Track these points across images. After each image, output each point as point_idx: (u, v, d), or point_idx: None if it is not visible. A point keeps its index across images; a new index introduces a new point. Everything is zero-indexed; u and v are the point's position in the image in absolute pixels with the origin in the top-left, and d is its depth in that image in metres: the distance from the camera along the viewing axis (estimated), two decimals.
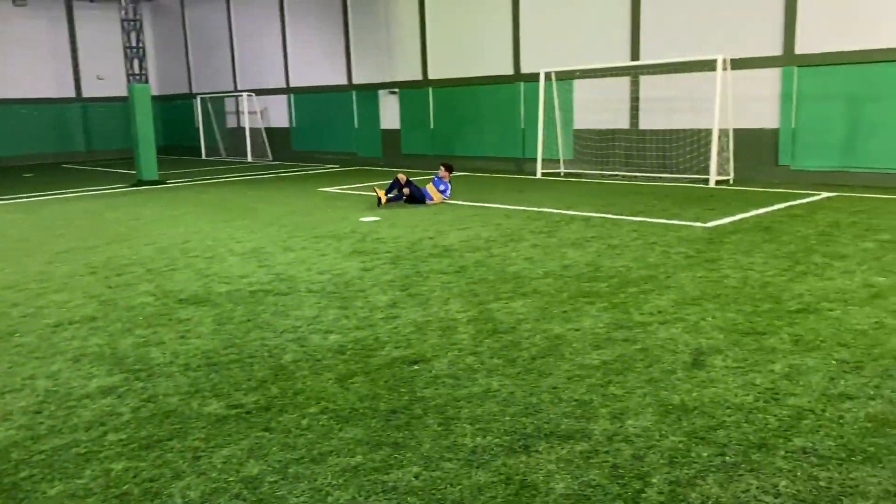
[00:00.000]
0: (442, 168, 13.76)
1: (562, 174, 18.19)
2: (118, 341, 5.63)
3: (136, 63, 18.98)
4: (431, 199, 13.29)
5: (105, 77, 30.88)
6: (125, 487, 3.40)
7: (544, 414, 4.06)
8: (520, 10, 19.27)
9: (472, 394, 4.37)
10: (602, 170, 17.78)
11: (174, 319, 6.18)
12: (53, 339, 5.73)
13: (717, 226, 10.00)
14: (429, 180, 14.24)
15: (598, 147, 18.13)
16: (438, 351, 5.17)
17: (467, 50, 20.76)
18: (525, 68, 19.43)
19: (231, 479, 3.45)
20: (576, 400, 4.24)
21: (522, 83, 19.57)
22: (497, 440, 3.76)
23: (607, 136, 18.03)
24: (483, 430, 3.87)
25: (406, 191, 13.02)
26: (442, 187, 13.49)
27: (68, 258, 9.05)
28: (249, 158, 27.17)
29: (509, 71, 19.86)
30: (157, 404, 4.37)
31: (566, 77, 18.34)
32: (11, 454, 3.78)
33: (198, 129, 30.24)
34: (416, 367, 4.87)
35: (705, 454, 3.55)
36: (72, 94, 30.51)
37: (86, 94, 30.80)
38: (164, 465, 3.60)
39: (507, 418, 4.01)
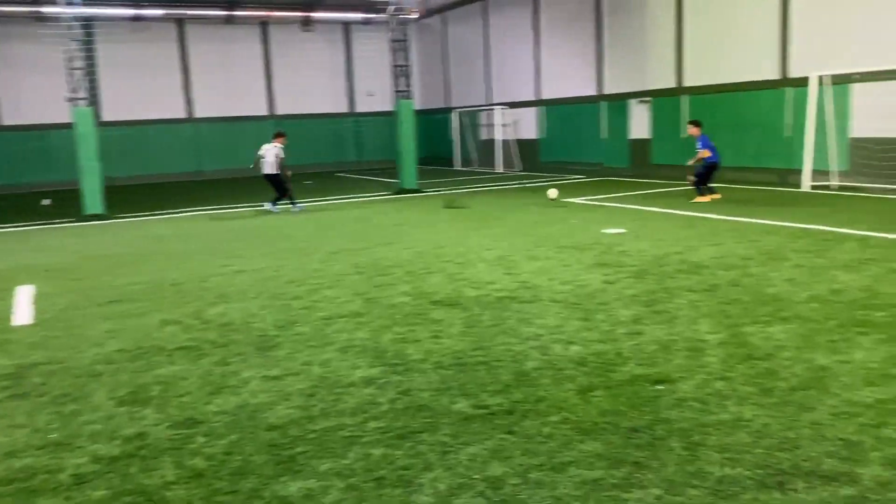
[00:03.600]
0: (691, 126, 15.31)
1: (835, 187, 16.47)
2: (379, 336, 6.16)
3: (402, 80, 20.53)
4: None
5: (374, 93, 33.79)
6: (382, 472, 3.73)
7: (803, 451, 3.74)
8: (789, 8, 17.81)
9: (720, 421, 4.16)
10: (886, 184, 15.80)
11: (428, 319, 6.62)
12: (326, 331, 6.42)
13: None
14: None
15: (881, 158, 16.13)
16: (684, 372, 4.97)
17: (727, 54, 19.62)
18: (793, 72, 17.89)
19: (476, 476, 3.63)
20: (842, 439, 3.85)
21: (789, 88, 18.05)
22: (748, 472, 3.54)
23: (894, 146, 15.98)
24: (732, 461, 3.67)
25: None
26: (699, 145, 14.89)
27: (339, 258, 10.06)
28: (499, 169, 28.09)
29: (775, 75, 18.42)
30: (412, 398, 4.72)
31: (842, 81, 16.58)
32: (290, 431, 4.31)
33: (453, 141, 31.91)
34: (659, 386, 4.73)
35: None
36: (345, 108, 33.79)
37: (358, 108, 33.93)
38: (416, 456, 3.89)
39: (760, 451, 3.76)
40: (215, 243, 11.98)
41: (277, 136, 16.22)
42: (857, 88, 16.57)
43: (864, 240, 9.73)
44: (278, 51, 32.00)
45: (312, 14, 31.12)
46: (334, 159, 33.37)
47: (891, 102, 15.91)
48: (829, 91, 16.63)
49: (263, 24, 31.47)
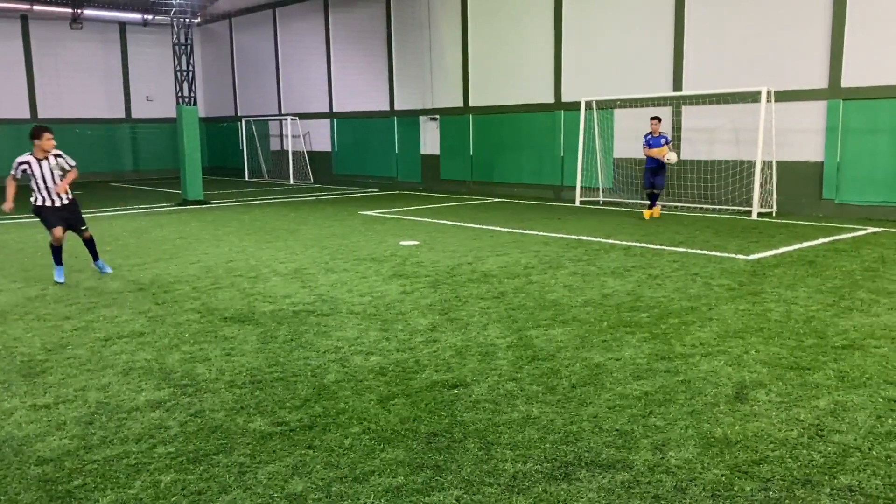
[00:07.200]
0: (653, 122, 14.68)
1: (601, 202, 18.17)
2: (165, 357, 5.78)
3: (185, 86, 19.52)
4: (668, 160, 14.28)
5: (154, 98, 31.78)
6: (174, 499, 3.49)
7: (585, 442, 4.06)
8: (562, 39, 19.41)
9: (511, 420, 4.40)
10: (642, 200, 17.71)
11: (219, 337, 6.32)
12: (104, 353, 5.90)
13: (760, 259, 9.90)
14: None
15: (638, 176, 18.07)
16: (478, 376, 5.20)
17: (508, 78, 20.94)
18: (566, 97, 19.51)
19: (276, 495, 3.52)
20: (617, 430, 4.23)
21: (562, 111, 19.65)
22: (537, 467, 3.78)
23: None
24: (523, 457, 3.89)
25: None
26: (663, 141, 14.44)
27: (116, 275, 9.30)
28: (291, 181, 27.62)
29: (550, 99, 19.97)
30: (204, 419, 4.47)
31: (607, 106, 18.38)
32: (65, 463, 3.90)
33: (242, 151, 30.88)
34: (455, 391, 4.91)
35: (748, 488, 3.52)
36: (122, 114, 31.42)
37: (135, 114, 31.69)
38: (211, 479, 3.69)
39: (548, 445, 4.03)
40: None
41: (42, 132, 8.74)
42: (618, 113, 18.45)
43: (627, 249, 10.82)
44: (43, 48, 29.05)
45: (82, 11, 28.63)
46: (109, 168, 30.87)
47: (644, 127, 17.87)
48: (595, 115, 18.34)
49: (24, 17, 28.41)
